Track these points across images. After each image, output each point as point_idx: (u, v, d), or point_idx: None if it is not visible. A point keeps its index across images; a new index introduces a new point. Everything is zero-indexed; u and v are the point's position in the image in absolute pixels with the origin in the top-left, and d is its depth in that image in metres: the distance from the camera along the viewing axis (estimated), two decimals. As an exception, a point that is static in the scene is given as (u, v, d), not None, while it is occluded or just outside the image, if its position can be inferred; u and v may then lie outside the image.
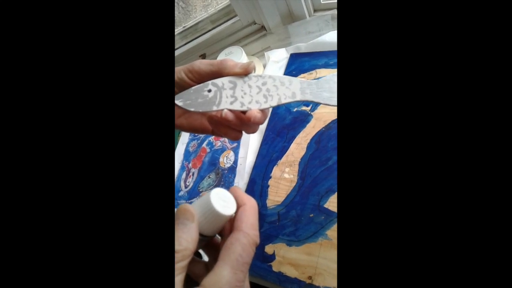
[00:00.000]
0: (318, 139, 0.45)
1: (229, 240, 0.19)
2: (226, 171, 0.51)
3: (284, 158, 0.46)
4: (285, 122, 0.51)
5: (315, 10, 0.61)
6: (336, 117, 0.46)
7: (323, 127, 0.46)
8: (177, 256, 0.18)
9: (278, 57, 0.61)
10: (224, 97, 0.23)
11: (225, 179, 0.50)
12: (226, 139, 0.55)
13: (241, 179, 0.48)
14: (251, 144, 0.51)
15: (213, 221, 0.20)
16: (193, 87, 0.24)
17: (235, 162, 0.51)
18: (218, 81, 0.24)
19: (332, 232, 0.38)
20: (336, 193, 0.40)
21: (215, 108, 0.23)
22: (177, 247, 0.18)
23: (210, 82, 0.24)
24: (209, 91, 0.23)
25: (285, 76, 0.25)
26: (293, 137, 0.48)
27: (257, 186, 0.46)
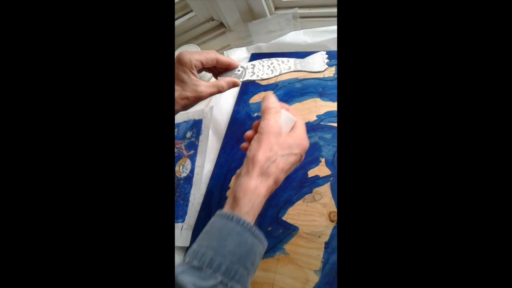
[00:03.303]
0: (277, 148, 0.44)
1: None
2: (182, 181, 0.48)
3: (242, 168, 0.44)
4: (245, 128, 0.49)
5: (276, 8, 0.59)
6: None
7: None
8: None
9: (239, 57, 0.58)
10: (247, 73, 0.38)
11: (181, 190, 0.47)
12: (183, 146, 0.52)
13: (198, 190, 0.46)
14: (208, 151, 0.48)
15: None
16: (229, 71, 0.38)
17: (192, 171, 0.48)
18: (244, 64, 0.38)
19: (290, 246, 0.37)
20: (294, 205, 0.39)
21: (241, 79, 0.37)
22: None
23: (239, 65, 0.38)
24: (238, 70, 0.38)
25: (285, 58, 0.38)
26: (252, 145, 0.46)
27: (215, 198, 0.44)
